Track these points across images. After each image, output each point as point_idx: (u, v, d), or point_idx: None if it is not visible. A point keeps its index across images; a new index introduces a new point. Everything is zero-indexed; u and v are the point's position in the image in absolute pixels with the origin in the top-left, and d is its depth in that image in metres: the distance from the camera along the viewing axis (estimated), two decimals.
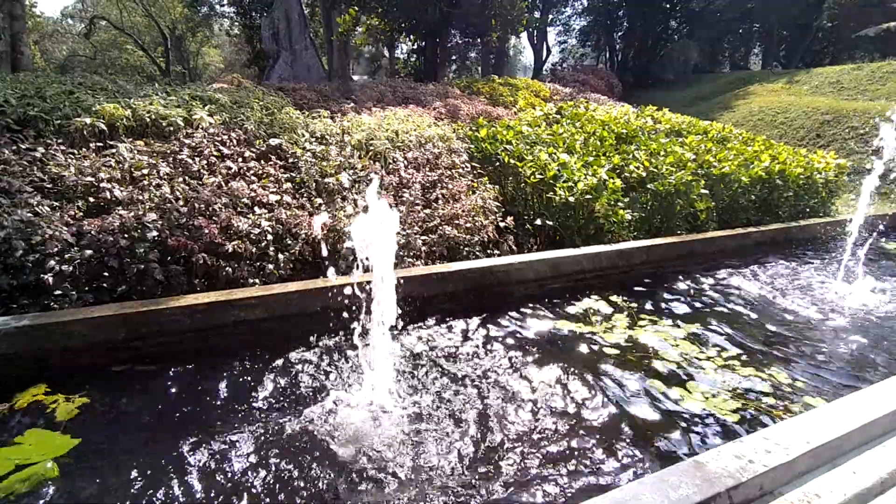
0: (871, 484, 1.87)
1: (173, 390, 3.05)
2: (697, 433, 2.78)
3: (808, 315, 4.51)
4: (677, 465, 1.81)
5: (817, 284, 5.31)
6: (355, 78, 18.51)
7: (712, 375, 3.40)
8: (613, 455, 2.56)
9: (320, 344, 3.58)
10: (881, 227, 6.37)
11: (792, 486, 1.84)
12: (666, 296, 4.92)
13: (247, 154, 5.34)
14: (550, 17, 27.85)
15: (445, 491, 2.28)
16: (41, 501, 2.17)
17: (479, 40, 21.39)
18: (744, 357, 3.68)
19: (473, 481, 2.34)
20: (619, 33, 27.54)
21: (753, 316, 4.47)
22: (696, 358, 3.65)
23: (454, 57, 24.34)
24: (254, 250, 4.09)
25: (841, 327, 4.25)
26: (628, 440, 2.70)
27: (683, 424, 2.86)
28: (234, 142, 5.47)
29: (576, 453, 2.57)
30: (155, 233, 3.80)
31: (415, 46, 20.76)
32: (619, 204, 5.74)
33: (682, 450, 2.62)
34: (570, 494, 2.27)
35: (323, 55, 18.69)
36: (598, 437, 2.71)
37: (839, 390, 3.23)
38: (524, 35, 25.00)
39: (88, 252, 3.53)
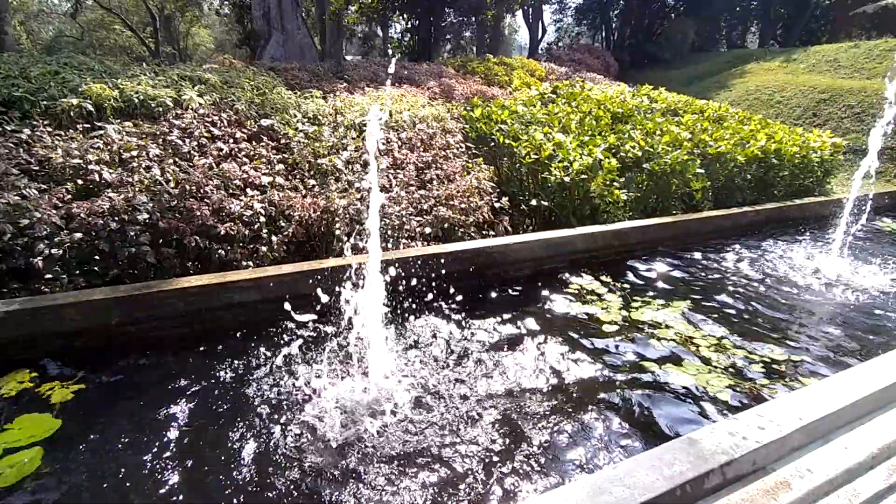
0: (862, 459, 1.89)
1: (166, 374, 3.04)
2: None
3: (797, 296, 4.54)
4: (671, 443, 1.81)
5: (806, 262, 5.38)
6: (348, 58, 18.22)
7: (704, 353, 3.42)
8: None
9: (314, 326, 3.57)
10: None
11: (784, 462, 1.86)
12: (661, 275, 4.92)
13: (238, 135, 5.26)
14: None
15: None
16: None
17: (473, 19, 21.00)
18: (737, 335, 3.70)
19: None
20: (616, 11, 27.12)
21: (745, 293, 4.49)
22: (690, 337, 3.66)
23: (449, 36, 23.90)
24: (246, 232, 4.06)
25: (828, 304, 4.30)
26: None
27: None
28: (225, 122, 5.38)
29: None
30: (146, 215, 3.75)
31: (408, 25, 20.36)
32: (615, 184, 5.70)
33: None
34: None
35: (315, 35, 18.36)
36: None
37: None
38: (519, 14, 24.58)
39: (78, 235, 3.49)
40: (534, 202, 5.58)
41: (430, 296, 3.93)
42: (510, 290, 4.43)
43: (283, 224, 4.32)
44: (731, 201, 6.91)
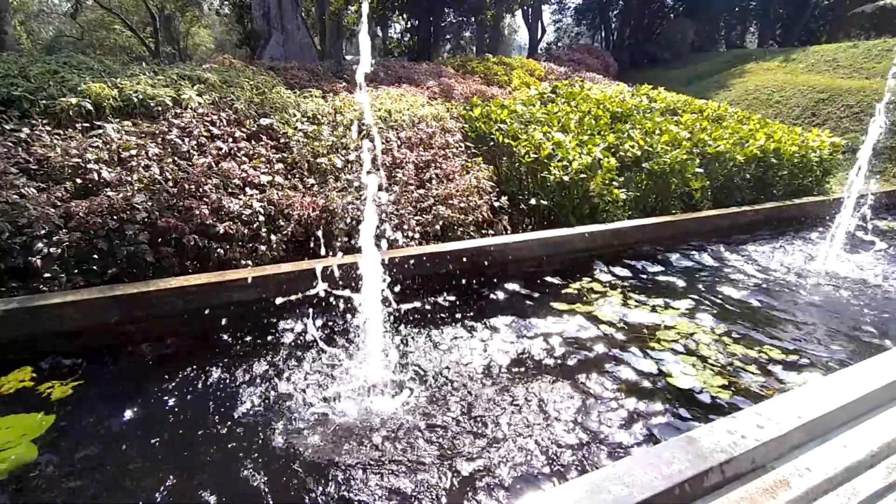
0: (861, 457, 1.89)
1: (166, 374, 3.04)
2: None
3: (797, 291, 4.55)
4: (670, 441, 1.81)
5: (803, 261, 5.39)
6: (348, 58, 18.20)
7: (704, 352, 3.42)
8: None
9: (314, 325, 3.57)
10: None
11: (783, 461, 1.86)
12: (660, 274, 4.92)
13: (237, 134, 5.25)
14: None
15: None
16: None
17: (473, 19, 21.02)
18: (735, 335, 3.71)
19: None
20: (615, 11, 27.13)
21: (745, 291, 4.49)
22: (690, 334, 3.66)
23: (448, 36, 23.89)
24: (245, 231, 4.05)
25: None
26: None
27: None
28: (224, 122, 5.37)
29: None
30: (144, 214, 3.74)
31: (408, 25, 20.37)
32: (614, 183, 5.70)
33: None
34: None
35: (315, 35, 18.34)
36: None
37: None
38: (519, 14, 24.58)
39: (77, 234, 3.48)
40: (533, 201, 5.57)
41: (430, 295, 3.93)
42: (509, 289, 4.43)
43: (282, 223, 4.31)
44: (730, 201, 6.92)
